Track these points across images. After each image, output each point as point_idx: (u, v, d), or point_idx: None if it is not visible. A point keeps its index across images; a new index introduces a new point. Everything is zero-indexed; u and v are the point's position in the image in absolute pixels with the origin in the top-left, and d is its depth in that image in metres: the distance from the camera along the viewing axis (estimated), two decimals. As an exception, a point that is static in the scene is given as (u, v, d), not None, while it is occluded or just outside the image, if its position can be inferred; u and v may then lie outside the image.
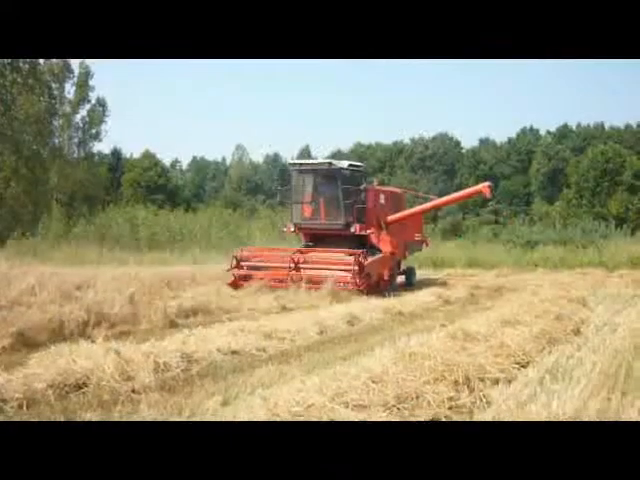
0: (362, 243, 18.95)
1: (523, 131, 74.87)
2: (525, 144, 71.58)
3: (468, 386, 6.83)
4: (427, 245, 24.11)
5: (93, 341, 8.83)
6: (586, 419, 5.81)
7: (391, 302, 14.78)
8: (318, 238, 19.84)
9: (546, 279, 22.82)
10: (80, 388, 7.18)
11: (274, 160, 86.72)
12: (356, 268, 16.84)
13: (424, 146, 74.00)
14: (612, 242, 33.79)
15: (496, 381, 7.36)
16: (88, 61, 48.69)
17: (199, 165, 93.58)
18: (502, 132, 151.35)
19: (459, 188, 68.87)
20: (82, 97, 47.02)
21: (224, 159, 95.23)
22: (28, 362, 7.89)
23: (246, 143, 66.17)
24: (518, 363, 8.34)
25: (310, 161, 20.06)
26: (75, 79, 46.51)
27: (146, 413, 6.30)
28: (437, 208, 28.55)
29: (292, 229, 20.04)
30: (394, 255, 19.60)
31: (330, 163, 19.30)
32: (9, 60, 39.12)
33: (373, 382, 6.48)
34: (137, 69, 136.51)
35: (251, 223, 38.29)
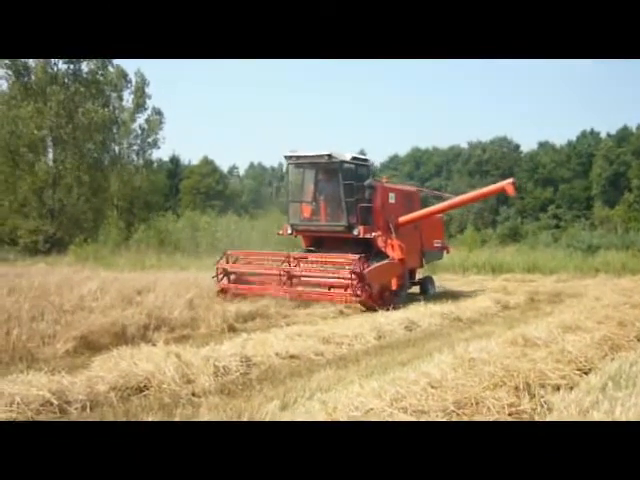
0: (368, 248, 16.75)
1: (583, 134, 73.57)
2: (585, 147, 70.36)
3: (529, 392, 6.72)
4: (448, 252, 22.23)
5: (154, 345, 8.97)
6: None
7: (449, 307, 14.68)
8: (319, 242, 17.96)
9: (608, 284, 22.35)
10: (142, 391, 7.33)
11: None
12: (354, 276, 14.82)
13: (481, 150, 73.24)
14: (676, 247, 32.98)
15: (557, 387, 7.23)
16: (143, 69, 49.68)
17: (256, 171, 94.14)
18: (562, 135, 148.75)
19: (517, 192, 68.48)
20: (139, 104, 47.74)
21: (281, 165, 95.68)
22: (91, 365, 8.11)
23: (302, 148, 65.97)
24: (580, 369, 8.17)
25: (308, 153, 17.26)
26: (132, 88, 47.32)
27: (206, 416, 6.37)
28: (455, 208, 24.23)
29: (289, 231, 17.76)
30: (404, 262, 17.11)
31: (330, 155, 16.63)
32: (72, 70, 40.18)
33: (432, 387, 6.44)
34: (195, 78, 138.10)
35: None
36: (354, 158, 17.33)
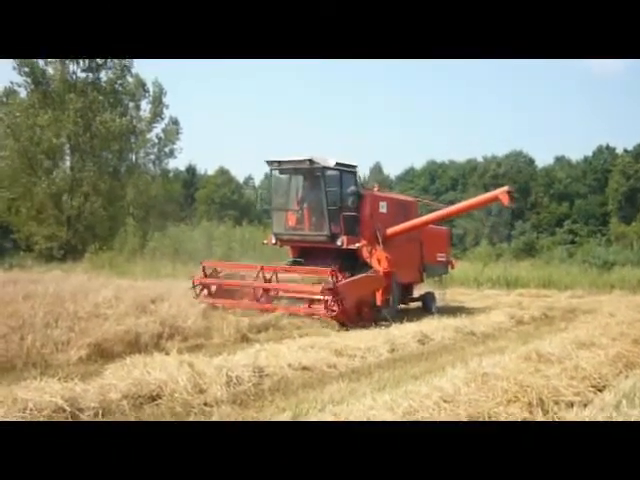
0: (355, 259, 16.10)
1: (599, 149, 73.32)
2: (601, 163, 70.18)
3: (542, 408, 6.70)
4: (452, 267, 20.93)
5: (167, 353, 8.97)
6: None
7: (462, 321, 14.62)
8: (307, 253, 17.05)
9: (623, 301, 22.22)
10: (154, 399, 7.33)
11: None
12: (326, 290, 13.82)
13: (497, 164, 73.16)
14: (693, 264, 32.83)
15: (571, 404, 7.18)
16: (161, 79, 49.85)
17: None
18: (578, 150, 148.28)
19: (533, 207, 68.40)
20: (156, 114, 47.90)
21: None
22: (104, 373, 8.11)
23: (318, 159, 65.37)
24: (594, 386, 8.12)
25: (290, 159, 16.42)
26: (150, 97, 47.54)
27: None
28: (449, 217, 21.57)
29: (273, 241, 17.11)
30: (389, 275, 16.01)
31: (311, 161, 15.90)
32: (91, 79, 40.45)
33: (445, 402, 6.42)
34: (211, 88, 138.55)
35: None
36: (338, 164, 16.40)
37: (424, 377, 8.51)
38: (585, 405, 7.23)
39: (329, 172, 16.30)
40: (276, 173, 17.16)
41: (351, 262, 15.79)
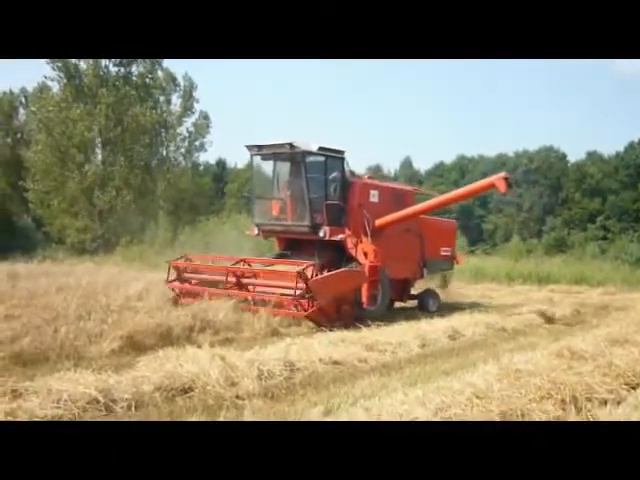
0: (343, 252, 15.00)
1: (631, 145, 72.35)
2: (633, 158, 69.24)
3: (575, 406, 6.65)
4: (457, 262, 19.32)
5: (199, 346, 9.02)
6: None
7: (494, 317, 14.54)
8: (293, 245, 16.08)
9: (656, 298, 21.96)
10: (186, 392, 7.40)
11: (377, 169, 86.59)
12: (301, 286, 12.73)
13: (528, 159, 72.56)
14: None
15: (604, 402, 7.12)
16: (191, 73, 50.02)
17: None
18: (610, 145, 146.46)
19: (564, 202, 67.76)
20: (187, 108, 48.07)
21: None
22: (137, 365, 8.19)
23: (348, 155, 64.86)
24: (627, 384, 8.04)
25: (270, 143, 15.20)
26: (181, 92, 47.72)
27: (250, 419, 6.39)
28: (443, 206, 18.66)
29: (255, 232, 16.17)
30: (376, 270, 14.61)
31: (291, 145, 14.69)
32: (122, 73, 40.71)
33: (477, 398, 6.40)
34: (239, 85, 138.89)
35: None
36: (322, 149, 15.07)
37: (455, 373, 8.49)
38: (619, 403, 7.18)
39: (312, 158, 15.18)
40: (257, 159, 16.13)
41: (340, 255, 14.95)
